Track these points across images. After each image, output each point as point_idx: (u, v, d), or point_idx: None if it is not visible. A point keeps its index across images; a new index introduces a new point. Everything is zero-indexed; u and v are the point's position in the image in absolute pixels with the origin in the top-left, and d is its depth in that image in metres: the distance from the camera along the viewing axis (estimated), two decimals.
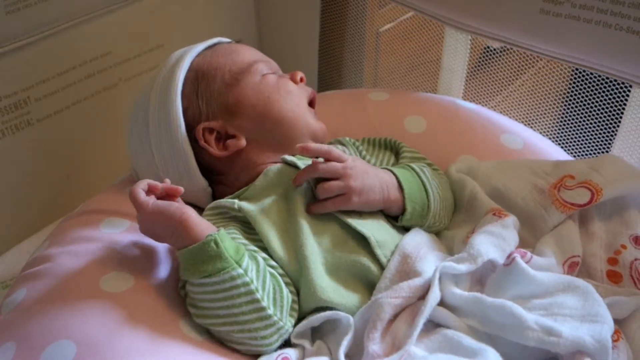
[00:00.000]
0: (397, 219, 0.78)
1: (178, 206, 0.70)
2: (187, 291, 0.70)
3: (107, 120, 1.05)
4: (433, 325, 0.65)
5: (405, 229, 0.79)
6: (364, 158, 0.88)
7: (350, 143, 0.89)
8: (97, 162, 1.07)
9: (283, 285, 0.71)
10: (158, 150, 0.81)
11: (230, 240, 0.69)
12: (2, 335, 0.64)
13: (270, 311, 0.67)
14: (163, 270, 0.74)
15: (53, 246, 0.75)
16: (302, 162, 0.79)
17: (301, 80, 0.88)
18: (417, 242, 0.74)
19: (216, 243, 0.66)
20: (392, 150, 0.91)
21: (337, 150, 0.77)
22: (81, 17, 0.97)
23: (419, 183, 0.79)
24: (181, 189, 0.73)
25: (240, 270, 0.66)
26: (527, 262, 0.67)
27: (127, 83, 1.08)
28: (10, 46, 0.90)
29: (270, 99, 0.83)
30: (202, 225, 0.69)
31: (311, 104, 0.88)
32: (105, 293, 0.67)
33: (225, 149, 0.82)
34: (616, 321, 0.65)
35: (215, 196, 0.84)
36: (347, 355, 0.64)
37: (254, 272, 0.68)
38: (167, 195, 0.73)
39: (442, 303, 0.66)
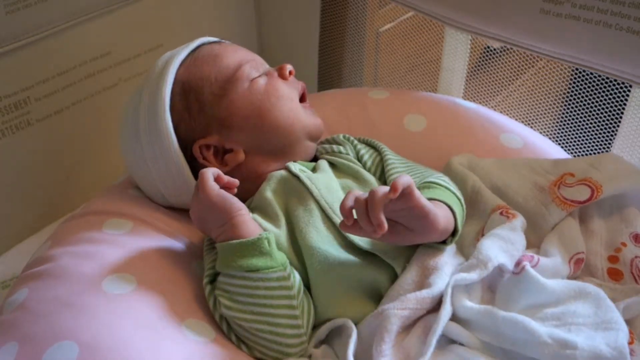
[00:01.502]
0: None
1: (239, 203, 0.71)
2: (219, 284, 0.70)
3: (107, 120, 1.05)
4: (446, 340, 0.64)
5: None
6: (358, 153, 0.87)
7: (346, 140, 0.89)
8: (97, 162, 1.07)
9: (312, 303, 0.71)
10: (154, 167, 0.81)
11: (275, 245, 0.70)
12: (4, 335, 0.64)
13: (301, 321, 0.68)
14: (166, 272, 0.74)
15: (55, 246, 0.75)
16: (305, 175, 0.78)
17: (290, 73, 0.85)
18: (437, 251, 0.71)
19: (269, 242, 0.68)
20: (374, 149, 0.88)
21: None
22: (81, 17, 0.97)
23: (454, 196, 0.74)
24: (236, 182, 0.74)
25: (286, 274, 0.68)
26: (535, 266, 0.67)
27: (127, 83, 1.07)
28: (10, 46, 0.90)
29: (262, 108, 0.81)
30: (253, 225, 0.71)
31: (302, 98, 0.86)
32: (108, 294, 0.67)
33: (224, 164, 0.82)
34: (627, 322, 0.64)
35: None
36: None
37: (293, 279, 0.69)
38: (225, 187, 0.73)
39: (454, 316, 0.65)
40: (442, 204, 0.70)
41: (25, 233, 1.02)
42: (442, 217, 0.67)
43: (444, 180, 0.77)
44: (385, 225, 0.62)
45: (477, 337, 0.63)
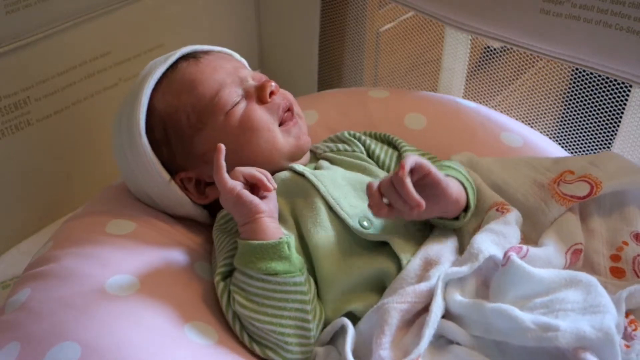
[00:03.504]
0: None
1: (257, 205, 0.69)
2: (237, 282, 0.69)
3: (107, 120, 1.04)
4: (446, 341, 0.64)
5: (426, 233, 0.77)
6: (369, 150, 0.87)
7: (351, 137, 0.88)
8: (97, 162, 1.07)
9: (323, 311, 0.72)
10: (142, 180, 0.81)
11: (294, 249, 0.70)
12: (6, 335, 0.64)
13: (312, 325, 0.69)
14: (169, 273, 0.74)
15: (58, 247, 0.75)
16: (310, 172, 0.78)
17: (272, 94, 0.80)
18: (441, 246, 0.73)
19: (289, 246, 0.68)
20: (390, 145, 0.89)
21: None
22: (81, 17, 0.97)
23: (463, 176, 0.78)
24: (271, 188, 0.71)
25: (303, 279, 0.68)
26: (523, 257, 0.67)
27: (127, 83, 1.07)
28: (10, 46, 0.90)
29: (237, 144, 0.78)
30: (272, 228, 0.70)
31: (288, 113, 0.83)
32: (111, 295, 0.67)
33: (206, 196, 0.81)
34: (632, 311, 0.65)
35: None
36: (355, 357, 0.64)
37: (309, 285, 0.70)
38: (255, 186, 0.72)
39: (448, 313, 0.65)
40: (454, 178, 0.74)
41: (25, 233, 1.02)
42: (453, 186, 0.72)
43: (456, 164, 0.81)
44: (423, 202, 0.66)
45: (471, 334, 0.63)
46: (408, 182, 0.66)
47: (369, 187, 0.70)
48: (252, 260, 0.68)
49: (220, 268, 0.72)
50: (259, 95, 0.80)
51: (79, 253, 0.73)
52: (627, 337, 0.62)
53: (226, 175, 0.70)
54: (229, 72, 0.82)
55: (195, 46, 0.86)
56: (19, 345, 0.62)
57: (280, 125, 0.81)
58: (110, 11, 1.01)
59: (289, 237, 0.69)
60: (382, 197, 0.68)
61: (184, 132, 0.80)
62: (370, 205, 0.69)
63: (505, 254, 0.67)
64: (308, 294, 0.69)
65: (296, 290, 0.68)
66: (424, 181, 0.69)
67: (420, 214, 0.68)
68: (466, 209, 0.75)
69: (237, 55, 0.90)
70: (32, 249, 0.83)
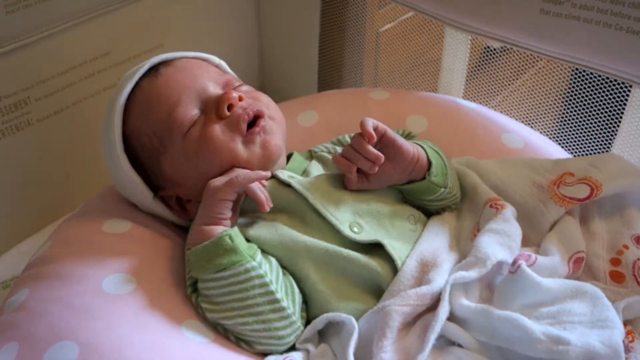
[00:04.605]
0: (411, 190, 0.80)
1: (227, 221, 0.71)
2: (199, 290, 0.70)
3: None
4: (446, 342, 0.64)
5: (417, 233, 0.77)
6: None
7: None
8: (96, 162, 1.06)
9: (294, 284, 0.72)
10: (135, 199, 0.82)
11: (242, 237, 0.71)
12: (5, 335, 0.64)
13: (285, 304, 0.68)
14: (166, 272, 0.74)
15: (55, 247, 0.75)
16: (295, 181, 0.77)
17: (231, 107, 0.75)
18: (436, 246, 0.73)
19: (231, 238, 0.68)
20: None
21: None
22: (81, 17, 0.97)
23: (428, 147, 0.81)
24: (267, 209, 0.73)
25: (255, 263, 0.68)
26: (532, 265, 0.67)
27: None
28: (10, 46, 0.90)
29: (198, 166, 0.75)
30: (218, 229, 0.71)
31: (254, 123, 0.76)
32: (108, 295, 0.68)
33: (188, 212, 0.81)
34: (630, 322, 0.65)
35: None
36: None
37: (267, 266, 0.70)
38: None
39: (452, 315, 0.65)
40: (413, 144, 0.80)
41: (25, 233, 1.02)
42: (409, 145, 0.77)
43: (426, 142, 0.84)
44: (381, 155, 0.73)
45: (475, 337, 0.63)
46: (364, 143, 0.73)
47: (334, 158, 0.76)
48: (201, 263, 0.69)
49: (188, 280, 0.73)
50: (216, 109, 0.75)
51: (77, 253, 0.73)
52: (624, 349, 0.62)
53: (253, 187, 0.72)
54: (186, 86, 0.77)
55: (164, 55, 0.83)
56: (18, 345, 0.62)
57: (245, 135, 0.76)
58: (110, 11, 1.00)
59: (230, 230, 0.69)
60: (348, 162, 0.75)
61: (151, 155, 0.79)
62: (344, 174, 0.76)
63: (515, 261, 0.67)
64: (266, 275, 0.68)
65: (251, 276, 0.67)
66: (382, 142, 0.75)
67: (390, 178, 0.76)
68: (430, 168, 0.78)
69: (213, 59, 0.87)
70: (32, 249, 0.83)
